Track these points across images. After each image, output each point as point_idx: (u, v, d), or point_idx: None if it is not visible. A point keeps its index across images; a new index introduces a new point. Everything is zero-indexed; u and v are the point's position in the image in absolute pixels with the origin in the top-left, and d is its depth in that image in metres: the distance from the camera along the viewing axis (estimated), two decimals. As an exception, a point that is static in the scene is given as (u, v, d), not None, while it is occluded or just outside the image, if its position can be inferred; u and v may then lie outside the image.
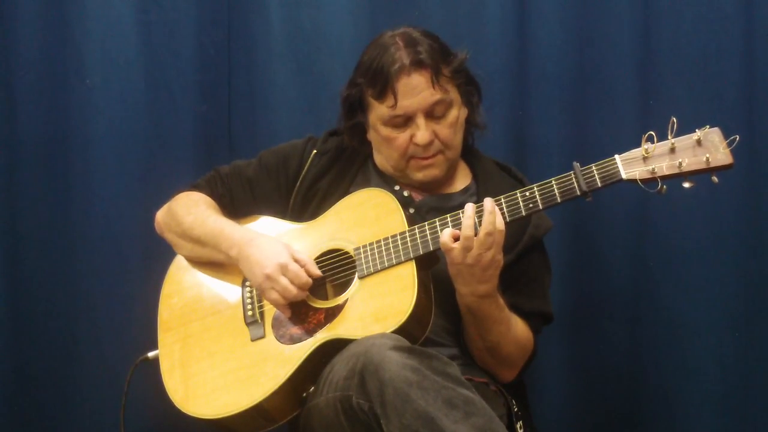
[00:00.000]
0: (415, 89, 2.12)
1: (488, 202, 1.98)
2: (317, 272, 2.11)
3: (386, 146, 2.20)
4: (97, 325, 2.67)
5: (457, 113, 2.19)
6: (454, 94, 2.18)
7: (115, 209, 2.68)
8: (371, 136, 2.25)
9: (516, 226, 2.06)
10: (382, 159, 2.27)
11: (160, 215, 2.35)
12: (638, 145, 1.95)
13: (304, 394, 2.03)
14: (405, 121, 2.16)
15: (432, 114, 2.16)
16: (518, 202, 1.99)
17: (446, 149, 2.19)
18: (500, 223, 1.96)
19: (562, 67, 2.67)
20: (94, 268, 2.68)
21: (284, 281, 2.07)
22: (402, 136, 2.17)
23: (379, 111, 2.17)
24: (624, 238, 2.67)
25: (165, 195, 2.37)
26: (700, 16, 2.61)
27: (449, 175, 2.29)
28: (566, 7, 2.66)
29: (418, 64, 2.13)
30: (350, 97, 2.22)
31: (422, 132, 2.15)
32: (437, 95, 2.14)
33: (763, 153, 2.59)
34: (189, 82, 2.72)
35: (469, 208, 1.98)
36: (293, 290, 2.07)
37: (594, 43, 2.67)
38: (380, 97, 2.15)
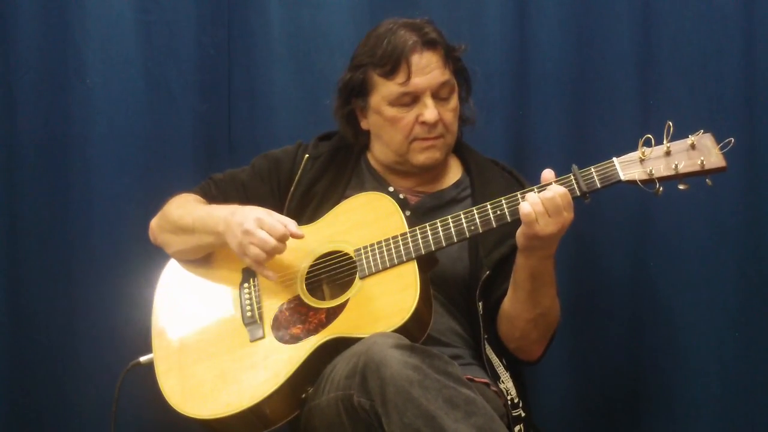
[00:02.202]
0: (427, 67, 2.17)
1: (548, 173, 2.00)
2: (298, 232, 2.09)
3: (390, 128, 2.22)
4: (96, 325, 2.66)
5: (457, 100, 2.24)
6: (453, 80, 2.23)
7: (115, 209, 2.67)
8: (371, 121, 2.27)
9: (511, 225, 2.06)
10: (380, 147, 2.28)
11: (154, 222, 2.36)
12: (637, 145, 1.97)
13: (303, 395, 2.03)
14: (412, 100, 2.19)
15: (438, 95, 2.20)
16: (519, 203, 1.99)
17: (447, 133, 2.23)
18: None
19: (562, 67, 2.67)
20: (93, 268, 2.67)
21: (261, 233, 2.06)
22: (408, 116, 2.19)
23: (386, 90, 2.19)
24: (624, 238, 2.67)
25: (165, 195, 2.37)
26: (700, 16, 2.61)
27: (441, 169, 2.31)
28: (566, 7, 2.66)
29: (430, 43, 2.18)
30: (352, 81, 2.25)
31: (430, 110, 2.18)
32: (446, 75, 2.20)
33: (762, 153, 2.60)
34: (189, 82, 2.72)
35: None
36: (271, 241, 2.05)
37: (594, 43, 2.67)
38: (391, 74, 2.17)
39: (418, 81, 2.17)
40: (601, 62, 2.67)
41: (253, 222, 2.07)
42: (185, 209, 2.26)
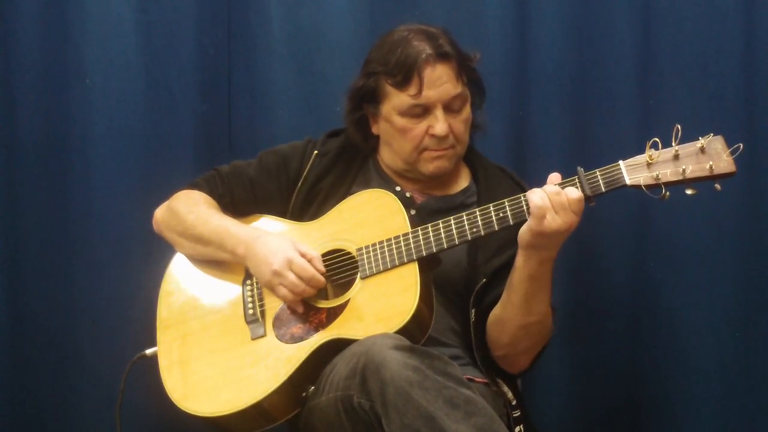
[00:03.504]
0: (439, 80, 2.15)
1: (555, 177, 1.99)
2: (321, 268, 2.11)
3: (400, 137, 2.21)
4: (96, 324, 2.66)
5: (469, 110, 2.22)
6: (466, 92, 2.21)
7: (115, 209, 2.67)
8: (381, 128, 2.26)
9: (513, 230, 2.05)
10: (390, 153, 2.28)
11: (159, 213, 2.35)
12: (638, 145, 1.96)
13: (304, 394, 2.03)
14: (423, 111, 2.18)
15: (450, 107, 2.18)
16: (522, 206, 1.99)
17: (458, 144, 2.22)
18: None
19: (562, 67, 2.67)
20: (94, 268, 2.67)
21: (292, 276, 2.07)
22: (418, 127, 2.18)
23: (397, 100, 2.18)
24: (624, 238, 2.67)
25: (165, 195, 2.37)
26: (700, 16, 2.61)
27: (450, 176, 2.30)
28: (566, 7, 2.66)
29: (443, 56, 2.16)
30: (364, 87, 2.23)
31: (441, 124, 2.16)
32: (459, 89, 2.18)
33: (762, 153, 2.60)
34: (189, 82, 2.72)
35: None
36: (301, 285, 2.07)
37: (594, 43, 2.67)
38: (403, 85, 2.16)
39: (430, 94, 2.15)
40: (601, 62, 2.67)
41: (283, 263, 2.07)
42: (198, 215, 2.24)
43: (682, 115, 2.58)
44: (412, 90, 2.15)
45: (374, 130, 2.28)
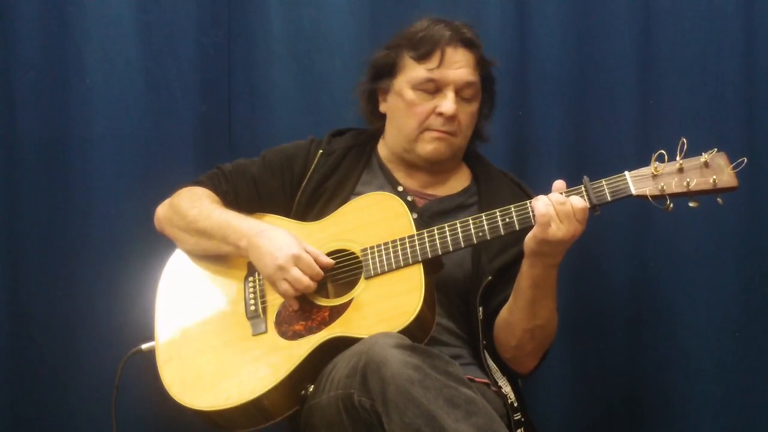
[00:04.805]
0: (458, 63, 2.20)
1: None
2: (329, 261, 2.11)
3: (406, 112, 2.23)
4: (96, 324, 2.65)
5: (478, 107, 2.25)
6: (479, 86, 2.24)
7: (115, 209, 2.67)
8: (390, 104, 2.28)
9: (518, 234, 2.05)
10: (393, 131, 2.29)
11: (161, 211, 2.35)
12: (637, 146, 1.99)
13: (303, 392, 2.02)
14: (435, 89, 2.20)
15: (461, 94, 2.21)
16: (529, 212, 2.00)
17: (459, 134, 2.23)
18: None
19: (562, 67, 2.68)
20: (93, 267, 2.67)
21: (296, 272, 2.07)
22: (426, 105, 2.21)
23: (413, 73, 2.21)
24: (625, 238, 2.67)
25: (165, 195, 2.37)
26: (700, 16, 2.62)
27: (450, 176, 2.31)
28: (566, 7, 2.67)
29: (468, 42, 2.22)
30: (383, 59, 2.27)
31: (449, 103, 2.19)
32: (474, 77, 2.22)
33: (762, 153, 2.60)
34: (189, 82, 2.72)
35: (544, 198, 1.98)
36: (305, 280, 2.07)
37: (594, 43, 2.67)
38: (423, 58, 2.20)
39: (447, 72, 2.19)
40: (601, 62, 2.67)
41: (288, 259, 2.07)
42: (200, 210, 2.25)
43: (682, 115, 2.60)
44: (432, 64, 2.19)
45: (382, 107, 2.30)
